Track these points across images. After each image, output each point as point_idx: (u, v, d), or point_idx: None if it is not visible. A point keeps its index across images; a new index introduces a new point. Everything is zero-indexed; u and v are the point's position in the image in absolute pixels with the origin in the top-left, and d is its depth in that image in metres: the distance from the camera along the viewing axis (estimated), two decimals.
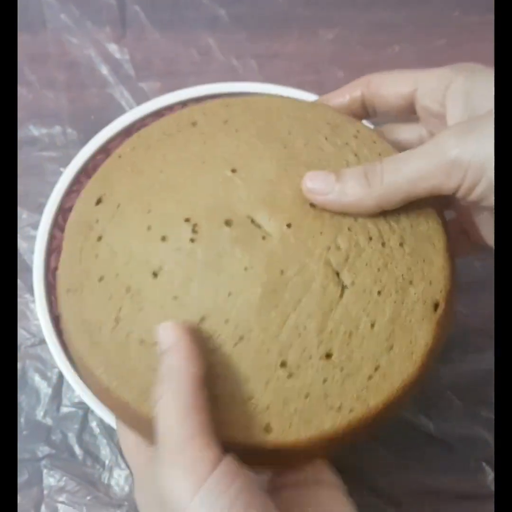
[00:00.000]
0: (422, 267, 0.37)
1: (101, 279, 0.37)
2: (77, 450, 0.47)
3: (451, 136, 0.34)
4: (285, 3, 0.61)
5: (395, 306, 0.36)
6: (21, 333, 0.50)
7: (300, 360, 0.35)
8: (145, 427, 0.34)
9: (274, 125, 0.41)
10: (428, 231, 0.38)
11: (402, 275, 0.36)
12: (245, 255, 0.36)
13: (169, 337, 0.33)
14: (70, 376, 0.45)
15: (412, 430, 0.49)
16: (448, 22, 0.61)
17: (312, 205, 0.37)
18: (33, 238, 0.48)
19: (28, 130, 0.56)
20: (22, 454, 0.47)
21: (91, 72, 0.58)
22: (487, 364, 0.49)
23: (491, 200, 0.34)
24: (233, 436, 0.33)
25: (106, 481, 0.46)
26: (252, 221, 0.37)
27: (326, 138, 0.40)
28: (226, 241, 0.37)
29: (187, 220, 0.37)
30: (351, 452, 0.45)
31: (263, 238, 0.37)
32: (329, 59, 0.59)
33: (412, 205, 0.37)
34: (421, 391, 0.46)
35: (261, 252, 0.36)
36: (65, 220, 0.48)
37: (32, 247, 0.48)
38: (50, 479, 0.46)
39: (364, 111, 0.42)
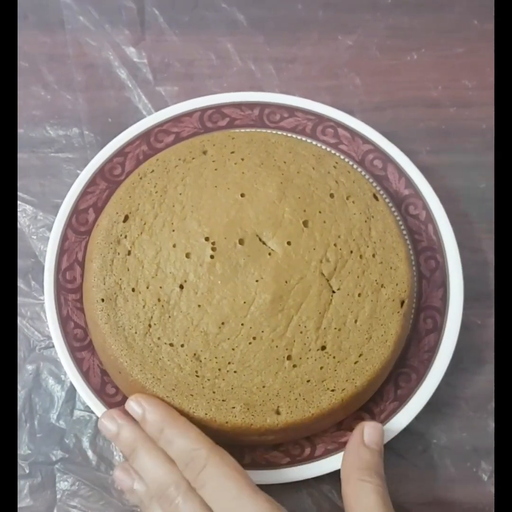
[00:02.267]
0: (390, 273, 0.46)
1: (133, 290, 0.44)
2: (91, 455, 0.47)
3: None
4: (304, 7, 0.61)
5: (372, 304, 0.45)
6: (35, 335, 0.50)
7: (302, 353, 0.43)
8: None
9: (273, 155, 0.48)
10: (393, 244, 0.46)
11: (376, 280, 0.45)
12: (256, 268, 0.44)
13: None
14: (77, 380, 0.45)
15: (423, 440, 0.49)
16: (466, 29, 0.61)
17: (304, 224, 0.46)
18: (48, 240, 0.48)
19: (45, 130, 0.56)
20: (35, 456, 0.47)
21: (109, 75, 0.58)
22: None
23: None
24: (250, 420, 0.41)
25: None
26: (260, 238, 0.45)
27: (313, 167, 0.48)
28: (240, 257, 0.44)
29: (206, 239, 0.45)
30: None
31: (269, 254, 0.45)
32: (347, 64, 0.59)
33: (378, 223, 0.47)
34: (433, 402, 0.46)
35: (269, 266, 0.44)
36: (79, 221, 0.49)
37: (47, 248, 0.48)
38: (64, 483, 0.47)
39: None
